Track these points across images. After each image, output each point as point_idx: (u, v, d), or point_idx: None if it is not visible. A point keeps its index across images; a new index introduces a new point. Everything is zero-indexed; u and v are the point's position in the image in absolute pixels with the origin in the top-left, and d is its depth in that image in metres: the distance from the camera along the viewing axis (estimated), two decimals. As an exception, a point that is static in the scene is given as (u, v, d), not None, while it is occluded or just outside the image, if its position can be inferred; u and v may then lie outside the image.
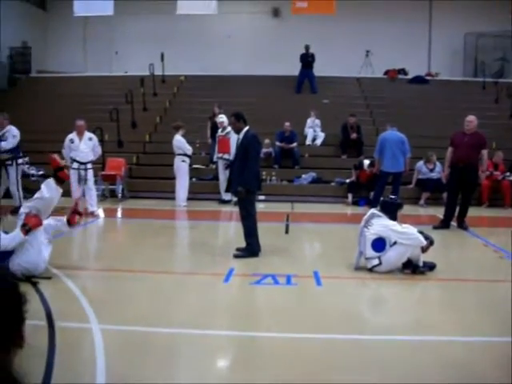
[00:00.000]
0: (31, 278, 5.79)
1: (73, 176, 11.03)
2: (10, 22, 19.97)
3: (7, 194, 11.36)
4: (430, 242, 6.64)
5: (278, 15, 21.84)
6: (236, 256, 7.30)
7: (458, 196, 9.89)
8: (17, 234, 5.97)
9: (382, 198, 7.42)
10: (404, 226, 6.67)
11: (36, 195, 6.25)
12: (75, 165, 11.03)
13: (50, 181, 6.22)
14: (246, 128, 7.53)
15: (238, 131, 7.65)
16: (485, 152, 9.78)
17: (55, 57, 22.31)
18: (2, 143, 10.98)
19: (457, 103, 16.80)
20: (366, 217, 6.83)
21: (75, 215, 6.55)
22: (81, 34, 22.43)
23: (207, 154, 14.57)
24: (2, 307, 1.18)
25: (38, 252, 6.05)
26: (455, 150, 9.81)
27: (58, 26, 22.35)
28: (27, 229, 5.94)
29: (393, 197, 7.34)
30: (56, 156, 6.54)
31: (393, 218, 6.77)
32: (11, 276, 1.30)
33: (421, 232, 6.70)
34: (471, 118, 9.79)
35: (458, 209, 9.89)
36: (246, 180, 7.33)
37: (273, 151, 14.58)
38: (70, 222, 6.48)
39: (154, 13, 20.96)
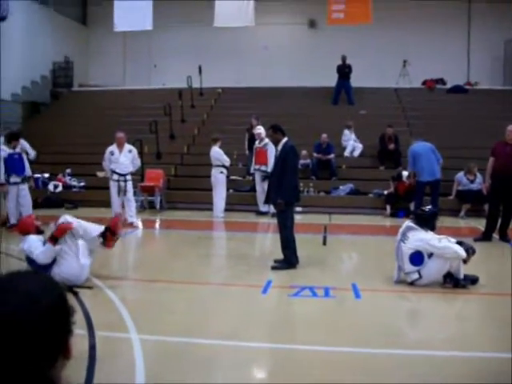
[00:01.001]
0: (72, 288, 5.91)
1: (113, 187, 11.26)
2: (52, 38, 20.62)
3: (45, 204, 11.50)
4: (472, 252, 6.48)
5: (314, 26, 21.85)
6: (274, 268, 7.29)
7: (499, 207, 9.68)
8: (47, 246, 6.12)
9: (416, 210, 7.31)
10: (442, 239, 6.51)
11: (81, 231, 6.35)
12: (115, 176, 11.23)
13: (96, 238, 6.44)
14: (285, 139, 7.52)
15: (276, 143, 7.67)
16: None
17: (96, 71, 22.85)
18: (30, 157, 11.24)
19: (497, 113, 16.46)
20: (401, 230, 6.71)
21: (113, 239, 6.61)
22: (120, 47, 22.90)
23: (244, 166, 14.63)
24: (50, 318, 1.17)
25: (77, 262, 6.17)
26: (496, 160, 9.62)
27: (98, 41, 22.90)
28: (54, 239, 6.10)
29: (427, 208, 7.21)
30: (119, 221, 6.92)
31: (431, 227, 6.64)
32: (59, 286, 1.29)
33: (460, 242, 6.55)
34: None
35: (499, 221, 9.67)
36: (284, 192, 7.32)
37: (310, 163, 14.56)
38: (106, 244, 6.58)
39: (192, 26, 21.26)
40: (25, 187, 10.65)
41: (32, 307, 1.13)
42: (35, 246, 6.23)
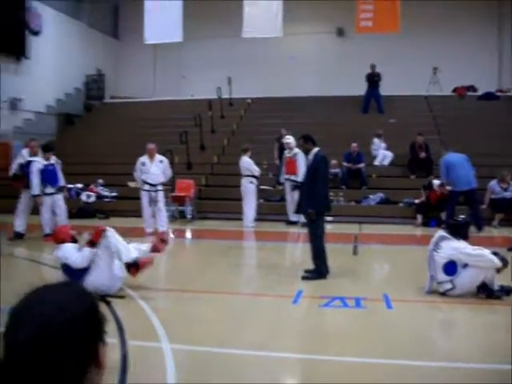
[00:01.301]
0: (105, 297, 6.00)
1: (144, 198, 11.41)
2: (85, 51, 21.07)
3: (78, 214, 11.67)
4: (505, 263, 6.38)
5: (342, 35, 21.84)
6: (304, 278, 7.28)
7: None
8: (84, 249, 6.27)
9: (448, 220, 7.22)
10: (476, 248, 6.44)
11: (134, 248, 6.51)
12: (146, 187, 11.38)
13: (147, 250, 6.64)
14: (316, 149, 7.54)
15: (307, 152, 7.68)
16: None
17: (127, 83, 23.24)
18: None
19: (530, 120, 16.22)
20: (433, 239, 6.64)
21: (162, 243, 6.71)
22: (151, 60, 23.27)
23: (274, 176, 14.66)
24: (79, 326, 1.16)
25: (110, 271, 6.26)
26: None
27: (129, 54, 23.31)
28: (92, 243, 6.26)
29: (461, 217, 7.12)
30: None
31: (463, 237, 6.56)
32: (90, 296, 1.28)
33: (495, 253, 6.45)
34: None
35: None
36: (315, 201, 7.33)
37: (340, 172, 14.52)
38: (155, 249, 6.67)
39: (220, 37, 21.46)
40: (60, 197, 10.86)
41: (59, 316, 1.13)
42: (70, 252, 6.36)
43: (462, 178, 11.58)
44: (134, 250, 6.48)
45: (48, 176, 10.60)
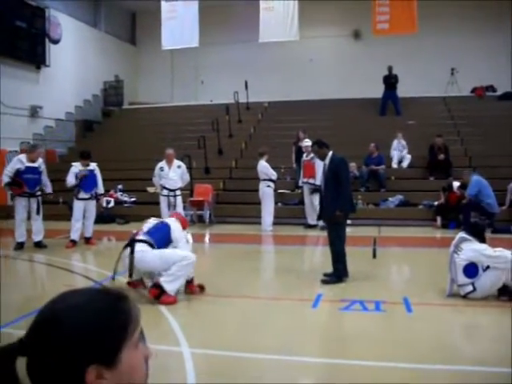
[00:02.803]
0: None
1: (163, 202, 11.49)
2: (103, 58, 21.31)
3: (98, 219, 11.69)
4: None
5: (359, 37, 21.77)
6: (324, 282, 7.26)
7: None
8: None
9: (470, 221, 7.15)
10: (497, 249, 6.38)
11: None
12: (165, 192, 11.46)
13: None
14: (331, 152, 7.52)
15: (323, 158, 7.64)
16: None
17: (145, 88, 23.45)
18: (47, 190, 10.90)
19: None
20: (454, 241, 6.58)
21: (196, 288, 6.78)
22: (168, 65, 23.42)
23: (292, 179, 14.66)
24: (95, 325, 1.08)
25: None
26: None
27: (147, 60, 23.51)
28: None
29: (481, 218, 7.05)
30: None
31: (481, 240, 6.50)
32: (117, 300, 1.15)
33: None
34: None
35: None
36: (342, 203, 7.32)
37: (357, 173, 14.46)
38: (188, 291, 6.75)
39: (237, 42, 21.54)
40: (93, 203, 10.97)
41: (64, 320, 1.07)
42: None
43: (494, 200, 11.77)
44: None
45: (83, 182, 10.67)
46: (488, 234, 7.21)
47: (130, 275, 6.46)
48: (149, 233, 6.69)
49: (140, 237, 6.61)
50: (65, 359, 1.06)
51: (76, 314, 1.09)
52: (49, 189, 10.72)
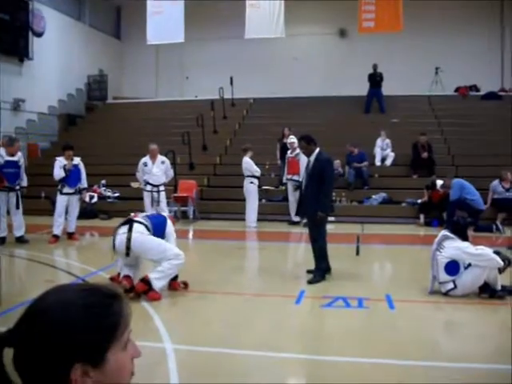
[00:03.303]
0: None
1: (146, 198, 11.44)
2: (87, 52, 21.13)
3: (81, 215, 11.60)
4: (508, 263, 6.39)
5: (344, 36, 21.84)
6: (309, 282, 7.16)
7: None
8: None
9: (454, 220, 7.17)
10: (478, 247, 6.44)
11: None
12: (148, 187, 11.40)
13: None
14: (318, 150, 7.47)
15: (309, 154, 7.55)
16: None
17: (129, 83, 23.30)
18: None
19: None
20: (437, 239, 6.63)
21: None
22: (153, 60, 23.30)
23: (277, 176, 14.67)
24: (63, 335, 1.06)
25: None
26: None
27: (131, 54, 23.35)
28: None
29: (464, 217, 7.10)
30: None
31: (464, 237, 6.56)
32: (104, 298, 1.14)
33: (497, 252, 6.45)
34: None
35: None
36: (324, 204, 7.28)
37: (341, 171, 14.49)
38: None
39: (223, 38, 21.50)
40: (77, 198, 10.87)
41: (48, 316, 1.07)
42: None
43: (479, 198, 11.92)
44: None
45: (68, 176, 10.55)
46: (470, 232, 7.27)
47: (127, 254, 6.33)
48: (148, 217, 6.75)
49: (139, 218, 6.59)
50: (50, 353, 1.05)
51: (66, 309, 1.08)
52: (24, 183, 10.61)
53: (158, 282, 6.28)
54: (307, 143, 7.50)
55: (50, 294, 1.13)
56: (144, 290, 6.24)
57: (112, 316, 1.12)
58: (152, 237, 6.48)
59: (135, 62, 23.21)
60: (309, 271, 7.45)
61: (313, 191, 7.35)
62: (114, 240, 6.42)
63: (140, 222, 6.51)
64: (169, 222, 6.90)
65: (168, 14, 17.04)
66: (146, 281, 6.26)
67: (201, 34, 20.98)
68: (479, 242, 7.33)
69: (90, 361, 1.07)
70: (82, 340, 1.06)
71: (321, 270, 7.33)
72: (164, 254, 6.34)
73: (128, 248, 6.31)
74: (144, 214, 6.99)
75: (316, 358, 4.67)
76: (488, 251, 6.34)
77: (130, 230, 6.38)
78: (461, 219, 6.81)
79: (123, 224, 6.54)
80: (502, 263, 6.25)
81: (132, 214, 6.79)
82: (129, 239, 6.32)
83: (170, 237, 6.77)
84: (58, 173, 10.49)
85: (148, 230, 6.50)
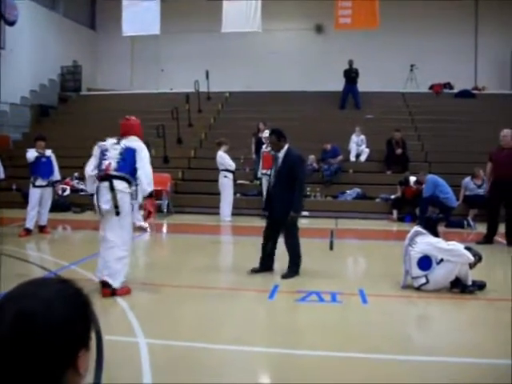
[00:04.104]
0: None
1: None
2: (61, 42, 20.79)
3: (53, 207, 11.43)
4: (479, 259, 6.50)
5: (321, 31, 21.90)
6: (283, 277, 7.11)
7: (498, 211, 9.80)
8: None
9: (426, 215, 7.27)
10: (450, 243, 6.53)
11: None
12: None
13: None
14: (287, 146, 7.21)
15: (278, 150, 7.25)
16: None
17: (104, 75, 23.02)
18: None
19: (505, 117, 16.44)
20: (409, 235, 6.70)
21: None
22: (128, 52, 23.04)
23: (252, 170, 14.66)
24: (64, 327, 1.10)
25: None
26: (494, 165, 9.74)
27: (106, 45, 23.07)
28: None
29: (436, 213, 7.20)
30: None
31: (435, 233, 6.64)
32: (85, 296, 1.20)
33: (469, 248, 6.55)
34: (506, 131, 9.70)
35: (506, 226, 9.71)
36: (296, 204, 7.11)
37: (316, 166, 14.54)
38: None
39: (199, 31, 21.36)
40: (49, 190, 10.70)
41: (46, 314, 1.09)
42: None
43: (451, 196, 12.00)
44: None
45: (39, 168, 10.37)
46: (442, 228, 7.37)
47: (117, 213, 6.09)
48: (119, 167, 6.19)
49: (114, 172, 6.15)
50: (55, 350, 1.10)
51: (67, 305, 1.15)
52: (1, 175, 10.43)
53: (115, 282, 6.06)
54: (277, 138, 7.22)
55: (29, 291, 1.14)
56: (109, 293, 6.02)
57: (88, 303, 1.22)
58: (128, 202, 6.20)
59: (110, 54, 22.93)
60: (253, 270, 7.37)
61: (281, 190, 7.12)
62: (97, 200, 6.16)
63: (118, 177, 6.14)
64: (139, 148, 6.39)
65: (144, 6, 16.90)
66: (105, 284, 6.05)
67: (177, 26, 20.81)
68: (451, 237, 7.43)
69: (87, 343, 1.20)
70: (80, 330, 1.16)
71: (295, 266, 7.28)
72: (121, 232, 6.14)
73: (117, 207, 6.08)
74: (113, 159, 6.21)
75: (288, 352, 4.68)
76: (459, 247, 6.43)
77: (112, 189, 6.08)
78: (433, 215, 6.90)
79: (101, 181, 6.20)
80: (472, 259, 6.35)
81: (104, 167, 6.23)
82: (115, 198, 6.07)
83: (144, 162, 6.29)
84: (31, 155, 10.29)
85: (129, 182, 6.16)
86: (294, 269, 7.27)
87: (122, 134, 6.60)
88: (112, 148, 6.32)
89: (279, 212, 7.16)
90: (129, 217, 6.29)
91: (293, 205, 7.05)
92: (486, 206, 10.56)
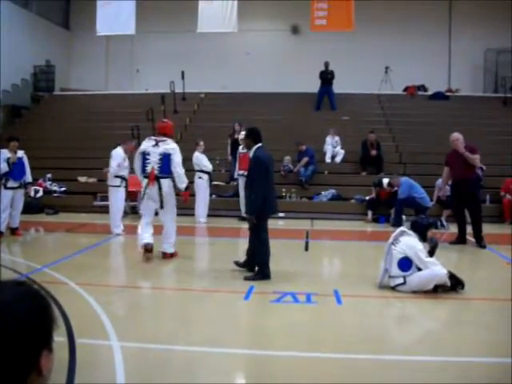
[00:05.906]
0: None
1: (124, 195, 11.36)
2: (34, 41, 20.47)
3: (25, 209, 11.26)
4: (435, 245, 6.61)
5: (297, 32, 21.98)
6: (246, 278, 7.03)
7: (463, 211, 10.06)
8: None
9: (414, 219, 7.20)
10: (430, 259, 6.44)
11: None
12: (124, 183, 11.27)
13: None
14: (256, 146, 7.04)
15: (249, 148, 7.25)
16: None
17: (78, 75, 22.73)
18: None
19: (477, 119, 16.72)
20: (394, 234, 6.70)
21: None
22: (103, 52, 22.83)
23: (228, 171, 14.63)
24: (23, 330, 1.09)
25: None
26: (450, 168, 9.96)
27: (80, 45, 22.78)
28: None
29: (423, 216, 7.22)
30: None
31: (423, 237, 6.64)
32: (43, 297, 1.19)
33: (431, 239, 6.66)
34: (454, 135, 9.89)
35: (471, 227, 9.89)
36: (253, 205, 6.92)
37: (291, 167, 14.56)
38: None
39: (175, 31, 21.26)
40: (21, 192, 10.52)
41: (5, 317, 1.08)
42: None
43: (425, 196, 12.21)
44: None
45: (13, 170, 10.17)
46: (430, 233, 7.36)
47: (162, 207, 8.08)
48: (162, 169, 7.96)
49: (160, 174, 7.95)
50: (19, 348, 1.10)
51: (26, 305, 1.14)
52: None
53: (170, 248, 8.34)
54: (246, 136, 7.23)
55: None
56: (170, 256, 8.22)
57: (47, 305, 1.21)
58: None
59: (84, 53, 22.63)
60: (237, 263, 7.39)
61: (249, 190, 7.04)
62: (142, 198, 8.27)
63: (164, 177, 8.01)
64: (173, 150, 8.06)
65: (119, 5, 16.77)
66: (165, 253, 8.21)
67: (152, 26, 20.66)
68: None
69: (50, 345, 1.19)
70: (40, 331, 1.15)
71: (263, 272, 7.09)
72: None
73: (162, 202, 8.07)
74: (155, 162, 8.02)
75: (263, 353, 4.67)
76: (436, 266, 6.36)
77: (160, 187, 7.98)
78: (424, 220, 6.91)
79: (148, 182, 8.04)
80: (445, 280, 6.31)
81: (149, 171, 8.11)
82: (161, 195, 8.00)
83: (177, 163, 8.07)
84: (2, 166, 10.11)
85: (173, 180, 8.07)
86: (261, 273, 7.06)
87: (159, 134, 8.33)
88: (152, 152, 8.00)
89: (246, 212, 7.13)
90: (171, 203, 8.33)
91: (246, 206, 7.00)
92: (451, 207, 10.78)
